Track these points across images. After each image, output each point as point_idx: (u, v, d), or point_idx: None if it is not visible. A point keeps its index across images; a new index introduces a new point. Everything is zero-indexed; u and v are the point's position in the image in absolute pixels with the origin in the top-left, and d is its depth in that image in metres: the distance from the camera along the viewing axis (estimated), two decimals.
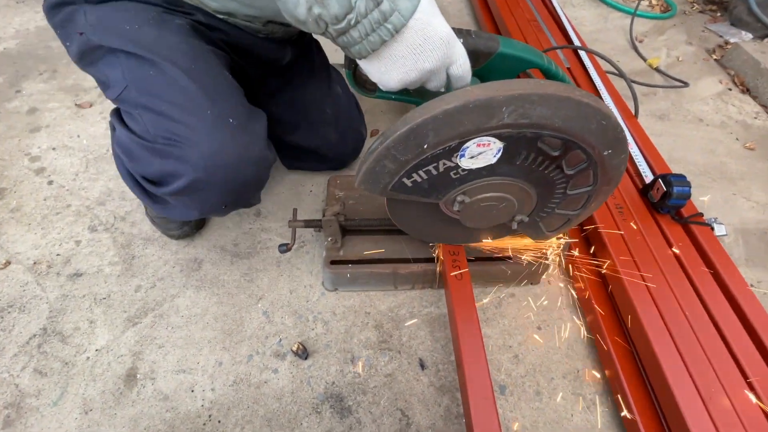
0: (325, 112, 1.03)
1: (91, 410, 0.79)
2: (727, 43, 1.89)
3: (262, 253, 1.04)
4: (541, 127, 0.52)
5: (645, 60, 1.77)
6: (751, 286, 1.07)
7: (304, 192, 1.18)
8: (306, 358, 0.87)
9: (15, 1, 1.81)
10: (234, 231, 1.08)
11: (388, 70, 0.51)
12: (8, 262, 0.99)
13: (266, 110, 0.78)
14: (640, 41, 1.89)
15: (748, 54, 1.68)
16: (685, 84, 1.64)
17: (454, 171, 0.59)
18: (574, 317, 0.95)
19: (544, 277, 1.00)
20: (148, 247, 1.04)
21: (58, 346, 0.87)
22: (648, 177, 1.02)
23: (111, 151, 1.22)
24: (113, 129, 0.79)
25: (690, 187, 0.91)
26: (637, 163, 1.06)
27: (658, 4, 2.16)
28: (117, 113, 0.76)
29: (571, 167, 0.60)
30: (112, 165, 1.20)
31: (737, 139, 1.46)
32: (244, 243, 1.06)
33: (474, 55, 0.55)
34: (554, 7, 1.67)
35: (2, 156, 1.21)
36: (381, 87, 0.55)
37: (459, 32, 0.54)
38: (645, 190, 1.00)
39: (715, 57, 1.83)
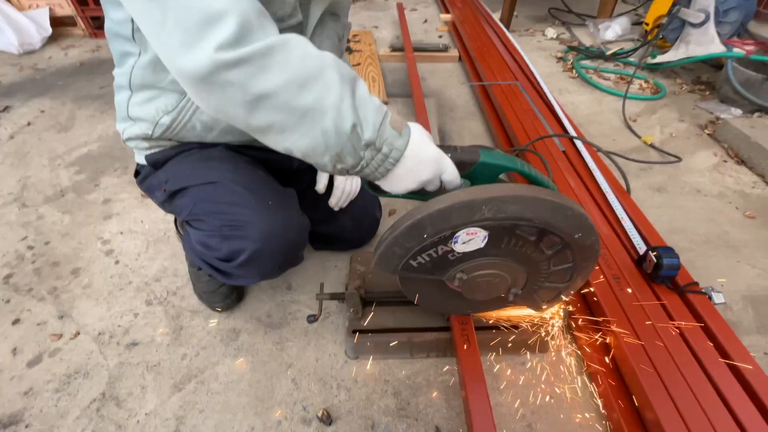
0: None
1: None
2: (717, 118, 2.04)
3: (292, 324, 1.16)
4: (516, 219, 0.66)
5: (639, 137, 1.93)
6: (766, 354, 1.08)
7: (329, 267, 1.33)
8: (330, 424, 0.94)
9: (100, 112, 2.23)
10: (268, 303, 1.22)
11: (396, 184, 0.69)
12: (78, 333, 1.16)
13: None
14: (634, 121, 2.08)
15: (738, 129, 1.81)
16: (678, 159, 1.76)
17: (451, 254, 0.73)
18: (585, 385, 0.99)
19: (552, 345, 1.06)
20: (194, 318, 1.18)
21: (114, 409, 0.98)
22: (642, 249, 1.11)
23: (167, 234, 1.45)
24: (186, 235, 1.06)
25: (678, 258, 1.00)
26: (631, 237, 1.16)
27: (648, 87, 2.38)
28: (187, 223, 1.02)
29: (549, 248, 0.72)
30: (169, 246, 1.40)
31: (737, 208, 1.54)
32: (277, 314, 1.19)
33: (460, 165, 0.71)
34: (548, 98, 1.90)
35: (80, 240, 1.45)
36: (391, 193, 0.72)
37: (447, 149, 0.71)
38: (640, 261, 1.08)
39: (707, 132, 1.97)
